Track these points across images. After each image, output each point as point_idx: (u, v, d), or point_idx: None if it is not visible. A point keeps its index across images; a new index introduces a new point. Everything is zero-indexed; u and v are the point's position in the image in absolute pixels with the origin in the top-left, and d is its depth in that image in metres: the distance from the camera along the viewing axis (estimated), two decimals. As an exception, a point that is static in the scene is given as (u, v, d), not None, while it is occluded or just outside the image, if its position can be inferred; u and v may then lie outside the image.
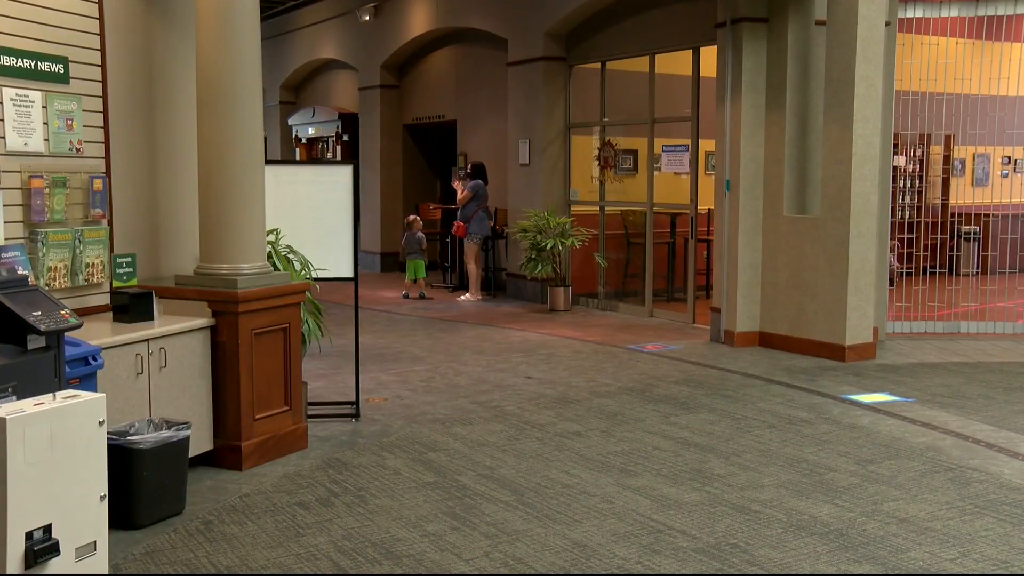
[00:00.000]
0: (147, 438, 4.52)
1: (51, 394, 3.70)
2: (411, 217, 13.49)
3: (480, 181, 12.54)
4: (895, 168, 10.20)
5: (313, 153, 18.11)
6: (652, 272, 11.04)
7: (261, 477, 5.27)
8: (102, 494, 3.76)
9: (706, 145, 10.57)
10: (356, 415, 6.55)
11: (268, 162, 5.91)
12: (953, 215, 13.85)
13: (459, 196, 12.59)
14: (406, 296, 12.76)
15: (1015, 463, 5.51)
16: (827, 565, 4.11)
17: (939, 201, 13.74)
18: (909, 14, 9.81)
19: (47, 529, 3.51)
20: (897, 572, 4.04)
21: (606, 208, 11.95)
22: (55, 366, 4.01)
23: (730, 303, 9.23)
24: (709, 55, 9.85)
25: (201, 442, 5.26)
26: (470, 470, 5.38)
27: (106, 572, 3.82)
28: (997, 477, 5.26)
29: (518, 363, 8.38)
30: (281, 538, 4.42)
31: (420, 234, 13.01)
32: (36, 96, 4.90)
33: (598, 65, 11.77)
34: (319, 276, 6.41)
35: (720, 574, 4.03)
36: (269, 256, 5.91)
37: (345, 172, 6.56)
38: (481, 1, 13.46)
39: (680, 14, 10.44)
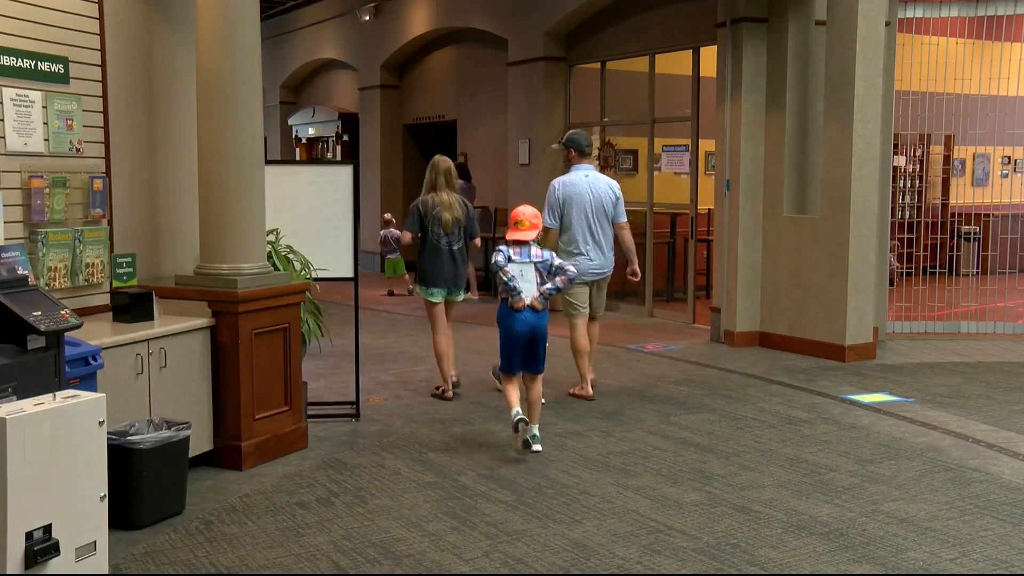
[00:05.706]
0: (147, 438, 4.52)
1: (51, 394, 3.70)
2: (386, 216, 13.67)
3: (462, 181, 12.50)
4: (895, 168, 10.20)
5: (313, 153, 18.11)
6: (652, 272, 11.04)
7: (261, 477, 5.27)
8: (102, 494, 3.76)
9: (706, 145, 10.57)
10: (356, 415, 6.55)
11: (268, 162, 5.91)
12: (953, 215, 13.85)
13: None
14: (390, 294, 13.02)
15: (1015, 463, 5.51)
16: (827, 565, 4.11)
17: (939, 201, 13.74)
18: (909, 14, 9.81)
19: (47, 529, 3.51)
20: (897, 572, 4.04)
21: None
22: (55, 366, 4.01)
23: (730, 303, 9.23)
24: (709, 55, 9.85)
25: (201, 442, 5.25)
26: (470, 470, 5.38)
27: (106, 572, 3.82)
28: (997, 477, 5.26)
29: (518, 363, 8.37)
30: (281, 538, 4.42)
31: (392, 231, 13.11)
32: (36, 96, 4.90)
33: (598, 65, 11.77)
34: (319, 276, 6.41)
35: (720, 574, 4.02)
36: (269, 256, 5.91)
37: (345, 172, 6.57)
38: (481, 1, 13.46)
39: (680, 14, 10.44)
